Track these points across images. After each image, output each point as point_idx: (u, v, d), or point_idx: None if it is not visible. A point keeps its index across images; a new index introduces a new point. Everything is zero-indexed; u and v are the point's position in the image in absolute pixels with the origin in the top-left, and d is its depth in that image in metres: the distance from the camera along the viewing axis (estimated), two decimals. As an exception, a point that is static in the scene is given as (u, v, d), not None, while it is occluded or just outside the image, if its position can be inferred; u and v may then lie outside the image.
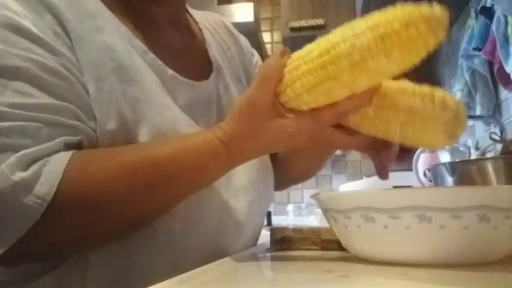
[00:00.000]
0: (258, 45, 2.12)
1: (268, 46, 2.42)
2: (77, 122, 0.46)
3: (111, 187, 0.43)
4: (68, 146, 0.44)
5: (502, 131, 1.35)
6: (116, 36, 0.52)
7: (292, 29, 1.94)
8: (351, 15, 1.90)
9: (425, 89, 0.45)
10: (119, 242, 0.49)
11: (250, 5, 1.86)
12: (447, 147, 1.43)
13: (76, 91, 0.47)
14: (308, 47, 0.46)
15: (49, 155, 0.42)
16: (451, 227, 0.36)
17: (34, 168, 0.40)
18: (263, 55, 2.26)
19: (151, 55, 0.55)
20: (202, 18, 0.72)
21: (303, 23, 1.93)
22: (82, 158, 0.44)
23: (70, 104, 0.45)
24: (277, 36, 2.41)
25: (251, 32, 1.94)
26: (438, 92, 0.44)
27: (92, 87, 0.48)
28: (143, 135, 0.49)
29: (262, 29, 2.39)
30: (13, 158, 0.40)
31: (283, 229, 0.62)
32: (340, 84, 0.43)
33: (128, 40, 0.54)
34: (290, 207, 2.46)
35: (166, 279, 0.33)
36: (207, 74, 0.63)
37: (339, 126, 0.48)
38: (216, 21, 0.75)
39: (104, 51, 0.50)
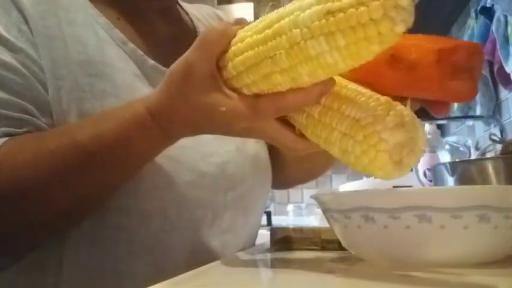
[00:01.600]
0: (258, 45, 2.12)
1: (268, 46, 2.42)
2: (25, 115, 0.46)
3: (33, 172, 0.44)
4: (8, 136, 0.45)
5: (502, 131, 1.35)
6: (89, 28, 0.52)
7: (292, 29, 1.95)
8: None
9: (383, 98, 0.37)
10: (94, 247, 0.48)
11: (250, 5, 1.86)
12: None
13: (31, 87, 0.48)
14: (263, 17, 0.39)
15: None
16: (451, 227, 0.36)
17: None
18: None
19: (131, 45, 0.54)
20: (194, 10, 0.71)
21: (303, 23, 1.93)
22: (13, 144, 0.44)
23: (19, 99, 0.46)
24: (277, 36, 2.41)
25: (251, 32, 1.94)
26: (397, 106, 0.36)
27: (51, 87, 0.48)
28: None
29: (262, 29, 2.40)
30: None
31: (283, 229, 0.62)
32: (279, 69, 0.35)
33: (106, 31, 0.53)
34: (290, 207, 2.46)
35: (146, 283, 0.31)
36: None
37: (289, 125, 0.41)
38: (208, 13, 0.73)
39: (72, 45, 0.50)
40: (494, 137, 1.20)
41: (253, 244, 0.69)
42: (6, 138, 0.44)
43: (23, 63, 0.48)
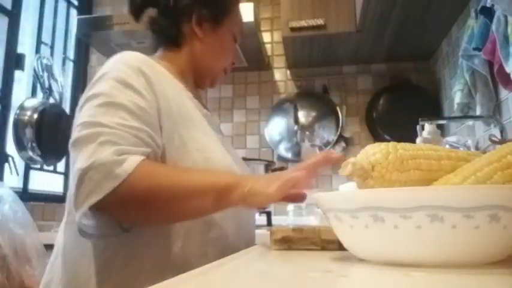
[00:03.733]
0: (258, 45, 2.12)
1: (268, 46, 2.42)
2: (150, 140, 0.71)
3: (155, 191, 0.67)
4: (142, 153, 0.69)
5: (502, 131, 1.35)
6: (181, 96, 0.84)
7: (292, 29, 1.94)
8: (351, 15, 1.90)
9: None
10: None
11: (250, 5, 1.85)
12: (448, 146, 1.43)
13: (153, 122, 0.74)
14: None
15: (132, 153, 0.67)
16: (462, 227, 0.36)
17: (124, 156, 0.65)
18: (263, 55, 2.26)
19: (196, 101, 0.89)
20: None
21: (303, 23, 1.92)
22: (149, 164, 0.69)
23: (148, 128, 0.72)
24: (277, 36, 2.41)
25: (251, 32, 1.93)
26: None
27: (164, 125, 0.76)
28: (191, 152, 0.78)
29: (262, 29, 2.39)
30: (114, 148, 0.66)
31: (283, 229, 0.62)
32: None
33: (191, 99, 0.87)
34: (290, 207, 2.45)
35: None
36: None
37: None
38: None
39: (174, 104, 0.80)
40: (493, 138, 1.19)
41: (253, 244, 0.70)
42: (144, 158, 0.67)
43: (150, 107, 0.74)
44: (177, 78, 0.87)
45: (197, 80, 0.96)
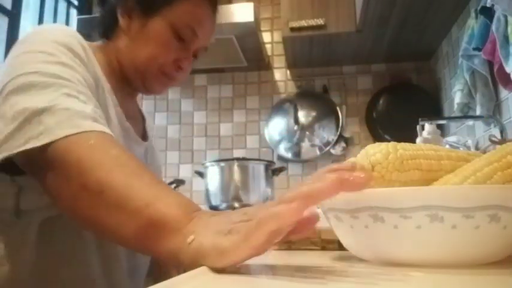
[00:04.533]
0: (258, 45, 2.12)
1: (268, 46, 2.42)
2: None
3: (86, 168, 0.51)
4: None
5: (502, 131, 1.35)
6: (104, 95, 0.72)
7: (292, 29, 1.94)
8: (351, 15, 1.90)
9: None
10: None
11: (250, 5, 1.85)
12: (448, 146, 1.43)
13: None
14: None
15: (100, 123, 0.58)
16: (462, 227, 0.36)
17: (96, 114, 0.58)
18: (263, 55, 2.26)
19: (119, 110, 0.76)
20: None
21: (303, 23, 1.92)
22: (111, 139, 0.56)
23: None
24: (277, 36, 2.41)
25: (251, 32, 1.93)
26: None
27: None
28: None
29: (262, 29, 2.39)
30: (82, 103, 0.58)
31: (283, 229, 0.62)
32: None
33: (110, 96, 0.73)
34: (290, 207, 2.46)
35: None
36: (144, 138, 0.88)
37: None
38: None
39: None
40: (493, 138, 1.19)
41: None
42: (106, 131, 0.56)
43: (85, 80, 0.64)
44: (105, 75, 0.74)
45: (128, 81, 0.81)
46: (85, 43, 0.70)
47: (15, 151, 0.52)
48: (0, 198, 0.62)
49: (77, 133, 0.53)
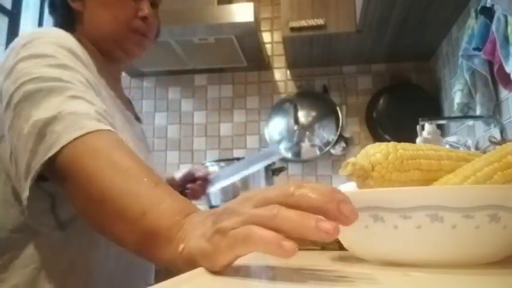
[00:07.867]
0: (258, 45, 2.12)
1: (268, 46, 2.42)
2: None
3: (90, 175, 0.52)
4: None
5: (502, 131, 1.35)
6: (102, 85, 0.75)
7: (292, 29, 1.94)
8: (351, 15, 1.90)
9: None
10: None
11: (250, 5, 1.85)
12: (448, 146, 1.43)
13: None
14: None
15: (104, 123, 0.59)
16: (462, 227, 0.36)
17: (100, 115, 0.60)
18: (263, 55, 2.26)
19: (118, 101, 0.81)
20: None
21: (303, 23, 1.92)
22: (117, 139, 0.58)
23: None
24: (277, 36, 2.41)
25: (251, 32, 1.93)
26: None
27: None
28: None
29: (262, 29, 2.39)
30: (87, 104, 0.60)
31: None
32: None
33: (109, 92, 0.77)
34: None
35: None
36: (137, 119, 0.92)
37: None
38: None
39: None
40: (493, 139, 1.19)
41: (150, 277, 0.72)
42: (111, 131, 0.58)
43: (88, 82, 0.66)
44: (97, 70, 0.75)
45: (109, 58, 0.83)
46: (79, 43, 0.73)
47: (40, 164, 0.55)
48: (41, 215, 0.64)
49: (83, 135, 0.55)
